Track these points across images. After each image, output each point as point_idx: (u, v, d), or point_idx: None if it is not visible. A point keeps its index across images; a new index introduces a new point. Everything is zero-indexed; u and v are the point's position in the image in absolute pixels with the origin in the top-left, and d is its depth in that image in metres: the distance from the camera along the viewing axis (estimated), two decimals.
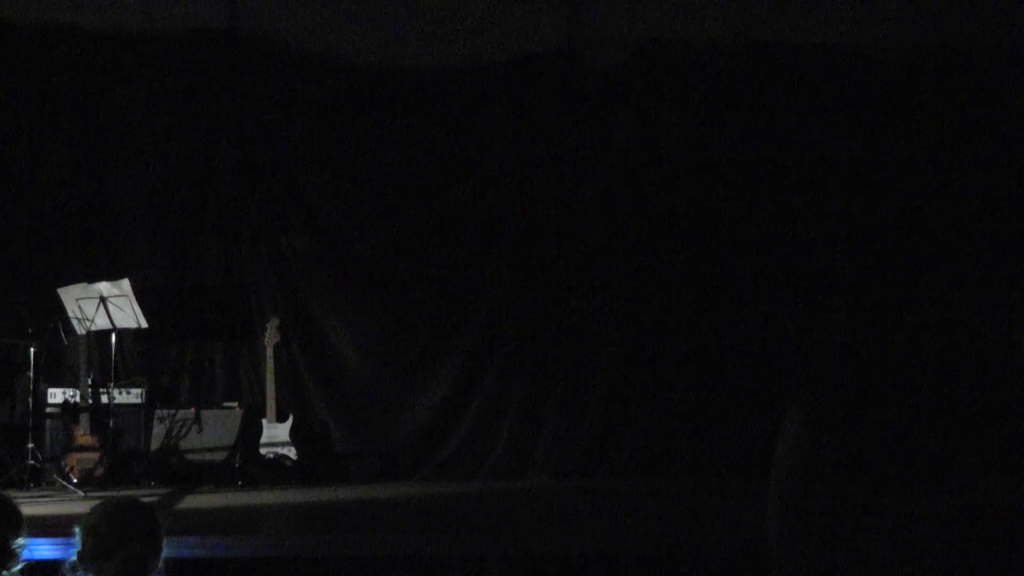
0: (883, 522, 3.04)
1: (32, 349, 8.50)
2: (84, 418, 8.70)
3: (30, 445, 8.26)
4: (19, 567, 3.56)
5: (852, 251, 10.02)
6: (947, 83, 10.15)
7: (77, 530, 3.48)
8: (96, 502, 3.64)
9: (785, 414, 3.34)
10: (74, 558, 3.47)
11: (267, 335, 9.36)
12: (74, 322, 8.77)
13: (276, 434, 9.18)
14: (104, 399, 8.92)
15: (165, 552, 3.52)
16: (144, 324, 8.79)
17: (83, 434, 8.66)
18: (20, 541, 3.60)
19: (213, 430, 9.12)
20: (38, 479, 8.52)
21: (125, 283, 8.68)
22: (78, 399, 8.83)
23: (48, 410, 8.93)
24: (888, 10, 9.88)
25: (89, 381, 8.88)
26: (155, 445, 9.03)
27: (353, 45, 9.80)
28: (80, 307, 8.70)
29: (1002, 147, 10.13)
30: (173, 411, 9.16)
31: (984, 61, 10.11)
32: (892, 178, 10.12)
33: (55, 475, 8.47)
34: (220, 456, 9.06)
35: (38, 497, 7.91)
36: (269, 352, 9.31)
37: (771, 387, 9.62)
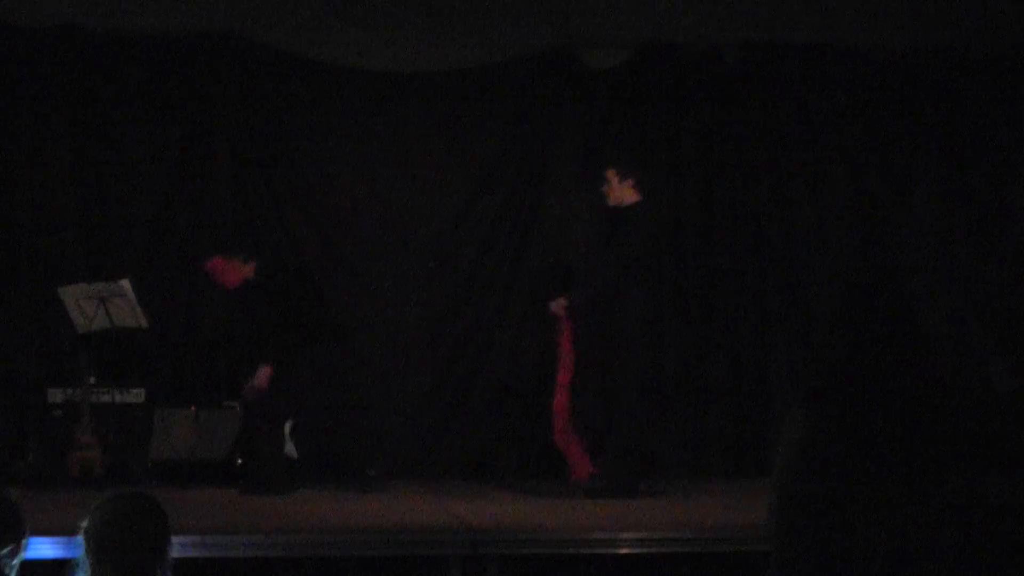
0: (882, 520, 3.05)
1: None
2: (84, 417, 8.69)
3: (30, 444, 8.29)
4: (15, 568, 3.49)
5: (852, 252, 10.02)
6: (947, 83, 10.15)
7: (82, 527, 3.37)
8: (98, 500, 3.45)
9: (787, 414, 3.36)
10: (79, 557, 3.35)
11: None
12: (74, 322, 8.79)
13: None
14: (105, 398, 8.92)
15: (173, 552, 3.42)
16: (145, 324, 8.85)
17: (83, 434, 8.65)
18: (24, 542, 3.55)
19: (213, 429, 9.12)
20: (39, 477, 8.55)
21: (125, 283, 8.71)
22: (79, 398, 8.82)
23: (49, 409, 8.93)
24: (888, 10, 9.87)
25: (90, 381, 8.87)
26: (155, 444, 9.03)
27: (352, 48, 9.78)
28: (80, 307, 8.71)
29: (1004, 148, 10.12)
30: (173, 410, 9.15)
31: (984, 61, 10.11)
32: (892, 178, 10.11)
33: (55, 474, 8.50)
34: (220, 455, 9.06)
35: (38, 496, 7.91)
36: None
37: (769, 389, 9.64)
